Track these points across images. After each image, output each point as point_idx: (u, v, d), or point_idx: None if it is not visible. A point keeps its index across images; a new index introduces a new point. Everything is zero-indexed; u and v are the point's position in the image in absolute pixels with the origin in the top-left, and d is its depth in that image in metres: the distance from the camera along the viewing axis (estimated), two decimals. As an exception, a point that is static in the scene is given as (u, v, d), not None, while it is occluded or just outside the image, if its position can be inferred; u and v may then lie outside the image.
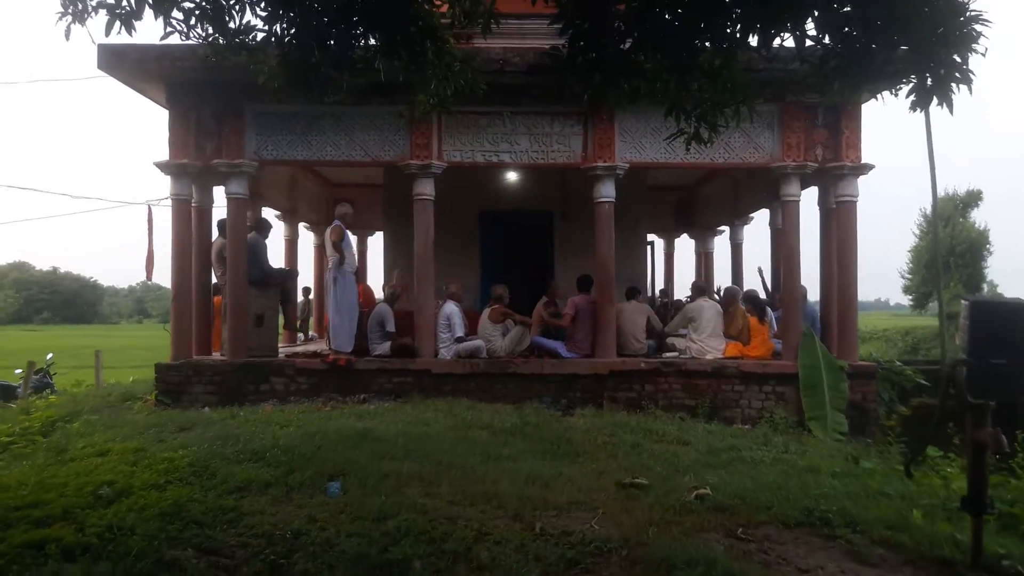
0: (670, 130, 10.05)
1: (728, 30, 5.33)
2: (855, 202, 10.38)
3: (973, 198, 44.20)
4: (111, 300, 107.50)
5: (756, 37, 5.24)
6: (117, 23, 5.39)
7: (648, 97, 6.33)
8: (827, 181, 10.75)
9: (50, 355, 16.52)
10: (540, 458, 6.70)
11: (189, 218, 10.48)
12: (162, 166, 10.26)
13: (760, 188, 13.47)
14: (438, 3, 6.54)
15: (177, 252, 10.37)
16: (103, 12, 5.42)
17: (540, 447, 7.04)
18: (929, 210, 42.48)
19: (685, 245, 18.66)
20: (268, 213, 15.04)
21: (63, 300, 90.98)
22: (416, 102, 7.08)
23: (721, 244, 17.44)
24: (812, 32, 5.17)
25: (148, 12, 5.50)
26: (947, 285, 39.17)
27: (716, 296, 12.58)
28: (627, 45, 5.42)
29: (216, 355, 10.78)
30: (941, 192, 41.46)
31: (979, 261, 42.12)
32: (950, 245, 40.78)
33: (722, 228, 16.90)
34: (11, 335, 53.38)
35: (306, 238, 16.80)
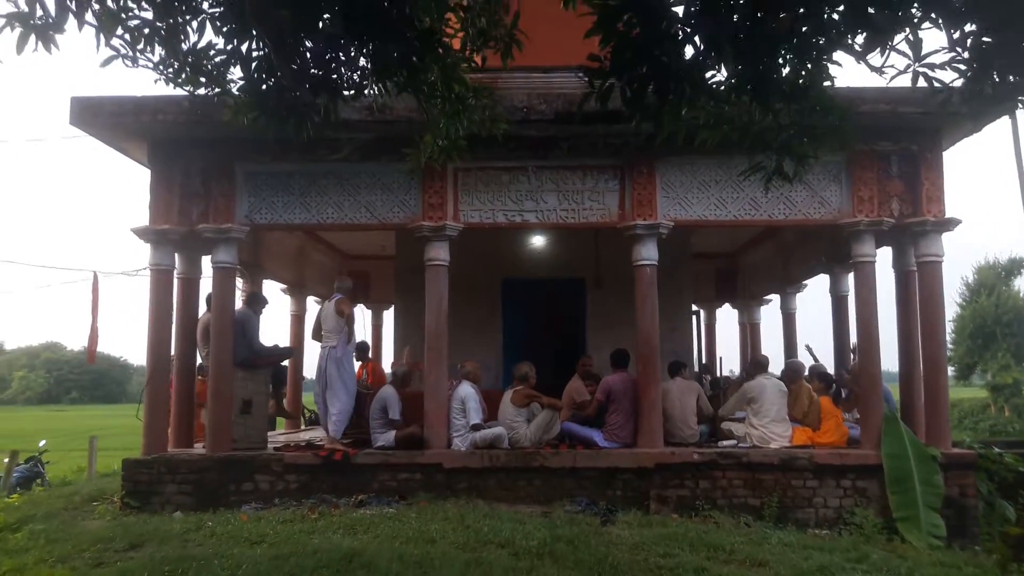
0: (720, 185, 8.95)
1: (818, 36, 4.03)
2: (940, 262, 8.86)
3: (1016, 265, 42.50)
4: (140, 379, 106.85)
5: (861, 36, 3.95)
6: (32, 38, 4.17)
7: (713, 127, 5.04)
8: (903, 239, 9.26)
9: (43, 442, 15.25)
10: (577, 593, 5.12)
11: (170, 290, 9.19)
12: (141, 233, 9.04)
13: (817, 251, 12.00)
14: (449, 31, 5.35)
15: (155, 328, 9.05)
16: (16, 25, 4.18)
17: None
18: (971, 279, 40.89)
19: (727, 316, 17.11)
20: (272, 287, 13.87)
21: (92, 380, 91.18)
22: (422, 144, 5.75)
23: (768, 315, 15.92)
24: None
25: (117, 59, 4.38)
26: (994, 356, 37.20)
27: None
28: (687, 56, 4.13)
29: (199, 448, 9.33)
30: (981, 261, 39.84)
31: (1027, 331, 40.13)
32: (995, 314, 38.88)
33: (769, 297, 15.39)
34: (36, 415, 52.64)
35: (312, 312, 15.52)
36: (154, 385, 9.00)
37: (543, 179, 9.03)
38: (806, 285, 13.65)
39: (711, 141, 5.22)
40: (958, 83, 4.56)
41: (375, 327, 17.45)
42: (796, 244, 12.90)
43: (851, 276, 11.52)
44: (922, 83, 4.42)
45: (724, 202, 8.92)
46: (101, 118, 8.61)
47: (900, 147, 8.87)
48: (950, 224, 8.74)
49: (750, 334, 15.60)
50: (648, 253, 8.82)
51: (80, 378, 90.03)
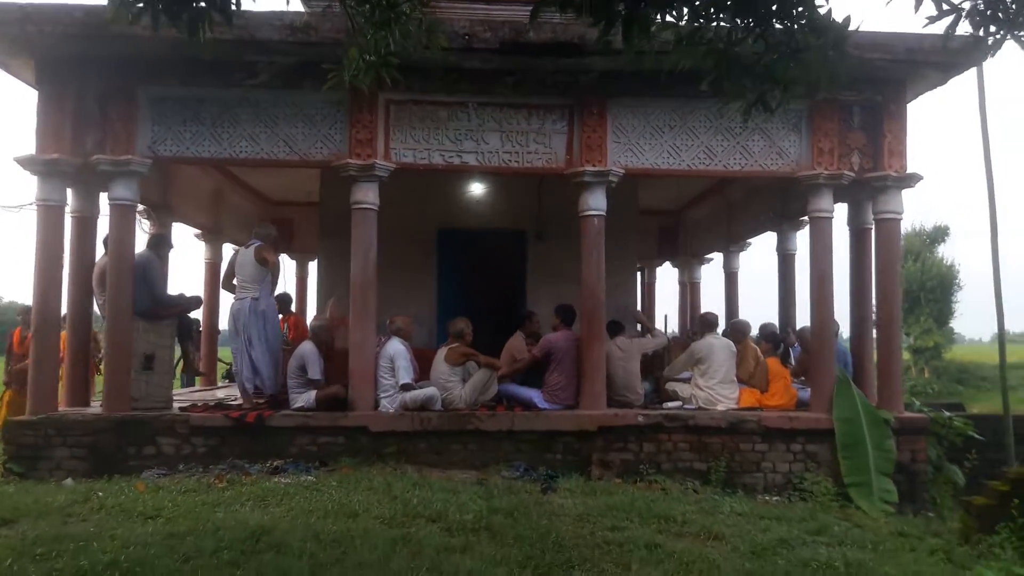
0: (675, 131, 8.19)
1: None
2: (899, 220, 8.47)
3: (940, 233, 43.70)
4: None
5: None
6: None
7: (687, 48, 4.37)
8: (861, 195, 8.83)
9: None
10: None
11: (60, 229, 8.11)
12: (26, 163, 7.91)
13: (765, 207, 11.58)
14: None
15: (43, 273, 7.97)
16: None
17: (517, 554, 4.82)
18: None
19: (666, 275, 16.69)
20: (184, 231, 12.78)
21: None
22: (345, 59, 4.90)
23: (709, 273, 15.58)
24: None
25: None
26: (917, 320, 38.33)
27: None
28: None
29: (96, 407, 8.37)
30: (907, 228, 40.66)
31: (948, 296, 41.46)
32: (920, 280, 40.03)
33: (710, 256, 15.00)
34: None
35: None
36: (42, 336, 7.97)
37: (485, 117, 8.24)
38: (750, 243, 13.27)
39: (683, 65, 4.55)
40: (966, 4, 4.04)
41: (299, 279, 16.45)
42: (742, 201, 12.46)
43: (799, 234, 11.30)
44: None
45: (678, 150, 8.30)
46: (-23, 28, 7.41)
47: (863, 97, 8.37)
48: (911, 180, 8.32)
49: (690, 293, 15.22)
50: (596, 202, 8.16)
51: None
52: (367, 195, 8.06)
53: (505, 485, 6.72)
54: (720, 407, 8.33)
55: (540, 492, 6.59)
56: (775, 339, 9.15)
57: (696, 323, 10.04)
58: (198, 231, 12.95)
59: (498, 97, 8.19)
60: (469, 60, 7.84)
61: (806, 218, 10.90)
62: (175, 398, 10.01)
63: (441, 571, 4.44)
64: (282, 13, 7.49)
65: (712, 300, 25.96)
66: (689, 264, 15.19)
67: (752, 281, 18.45)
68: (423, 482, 6.59)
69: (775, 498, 7.69)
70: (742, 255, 13.50)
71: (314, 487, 6.41)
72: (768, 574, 4.78)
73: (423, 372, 8.44)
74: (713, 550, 5.24)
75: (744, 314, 12.95)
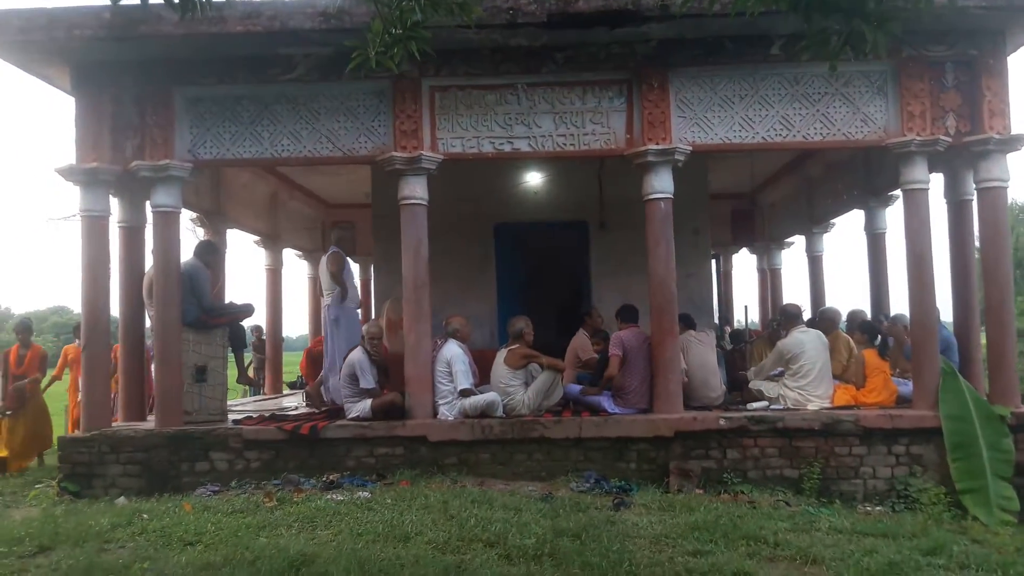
0: (746, 101, 7.32)
1: None
2: (1006, 188, 7.50)
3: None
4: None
5: None
6: None
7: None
8: (957, 163, 7.90)
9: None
10: (586, 613, 3.91)
11: (105, 240, 7.86)
12: (67, 173, 7.69)
13: (849, 184, 10.67)
14: None
15: (90, 285, 7.73)
16: None
17: (585, 585, 4.22)
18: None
19: (743, 262, 15.81)
20: (243, 238, 12.59)
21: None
22: (369, 34, 4.35)
23: (790, 258, 14.64)
24: None
25: None
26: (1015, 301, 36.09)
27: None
28: None
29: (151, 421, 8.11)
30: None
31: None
32: (1017, 258, 37.64)
33: (791, 240, 14.06)
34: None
35: (294, 267, 14.28)
36: (92, 350, 7.74)
37: (536, 99, 7.64)
38: (834, 224, 12.30)
39: (753, 11, 3.87)
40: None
41: (363, 281, 16.14)
42: (823, 178, 11.56)
43: (888, 211, 10.35)
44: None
45: (751, 121, 7.54)
46: (8, 35, 7.19)
47: (956, 52, 7.44)
48: (1017, 142, 7.36)
49: (771, 280, 14.32)
50: (662, 184, 7.46)
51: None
52: (415, 190, 7.56)
53: (573, 500, 6.12)
54: (812, 407, 7.53)
55: (612, 508, 5.96)
56: (871, 328, 8.26)
57: (778, 316, 9.19)
58: (256, 237, 12.76)
59: (548, 76, 7.58)
60: (514, 37, 7.27)
61: (897, 192, 10.03)
62: (236, 408, 9.82)
63: (497, 609, 3.88)
64: (314, 0, 7.05)
65: (795, 287, 24.76)
66: (768, 249, 14.28)
67: (838, 265, 17.38)
68: (483, 498, 6.03)
69: (877, 508, 6.86)
70: (826, 237, 12.53)
71: (367, 505, 5.94)
72: (881, 607, 4.06)
73: (483, 376, 7.92)
74: (813, 576, 4.54)
75: (831, 301, 12.09)
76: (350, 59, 4.39)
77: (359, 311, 8.97)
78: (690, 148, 7.46)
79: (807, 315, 9.49)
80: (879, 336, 8.20)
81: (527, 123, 7.62)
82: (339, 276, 8.61)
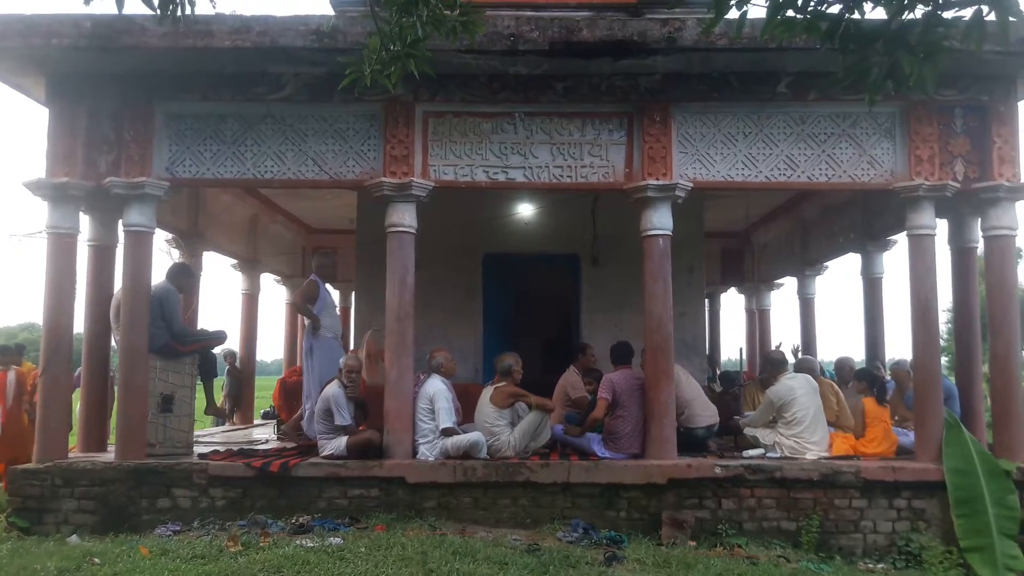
0: (750, 139, 6.91)
1: None
2: (1014, 236, 7.31)
3: (1016, 253, 41.45)
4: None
5: None
6: None
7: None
8: (964, 210, 7.70)
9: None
10: None
11: (72, 259, 7.44)
12: (35, 187, 7.28)
13: (844, 227, 10.48)
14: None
15: (52, 306, 7.30)
16: None
17: (579, 657, 3.82)
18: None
19: (731, 302, 15.61)
20: (220, 262, 12.16)
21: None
22: (365, 51, 4.03)
23: (779, 300, 14.43)
24: None
25: None
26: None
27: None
28: None
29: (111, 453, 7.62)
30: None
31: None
32: None
33: (780, 281, 13.86)
34: None
35: (272, 292, 13.86)
36: (51, 372, 7.28)
37: (533, 128, 7.37)
38: (827, 266, 12.08)
39: (781, 40, 3.58)
40: None
41: (343, 309, 15.70)
42: (818, 219, 11.36)
43: (886, 255, 10.18)
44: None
45: (754, 160, 7.30)
46: (-18, 43, 6.83)
47: (967, 97, 7.27)
48: (1027, 190, 7.17)
49: (759, 321, 14.07)
50: (661, 221, 7.18)
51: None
52: (403, 217, 7.23)
53: (561, 553, 5.71)
54: (810, 455, 7.22)
55: (603, 563, 5.56)
56: (870, 376, 7.99)
57: (763, 363, 8.91)
58: (234, 261, 12.34)
59: (547, 106, 7.32)
60: (514, 65, 7.03)
61: (895, 237, 9.86)
62: (204, 439, 9.34)
63: None
64: (307, 17, 6.76)
65: (783, 329, 24.58)
66: (757, 290, 14.06)
67: (829, 308, 17.21)
68: (465, 549, 5.62)
69: (879, 565, 6.54)
70: (817, 279, 12.30)
71: (339, 554, 5.50)
72: None
73: (467, 414, 7.52)
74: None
75: (822, 345, 11.84)
76: (343, 77, 4.09)
77: (338, 341, 8.50)
78: (691, 185, 7.20)
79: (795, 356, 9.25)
80: (879, 383, 7.92)
81: (523, 153, 7.33)
82: (302, 307, 8.30)
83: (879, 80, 3.26)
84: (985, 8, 3.06)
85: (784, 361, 8.17)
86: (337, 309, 9.20)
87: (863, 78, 3.32)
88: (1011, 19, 2.88)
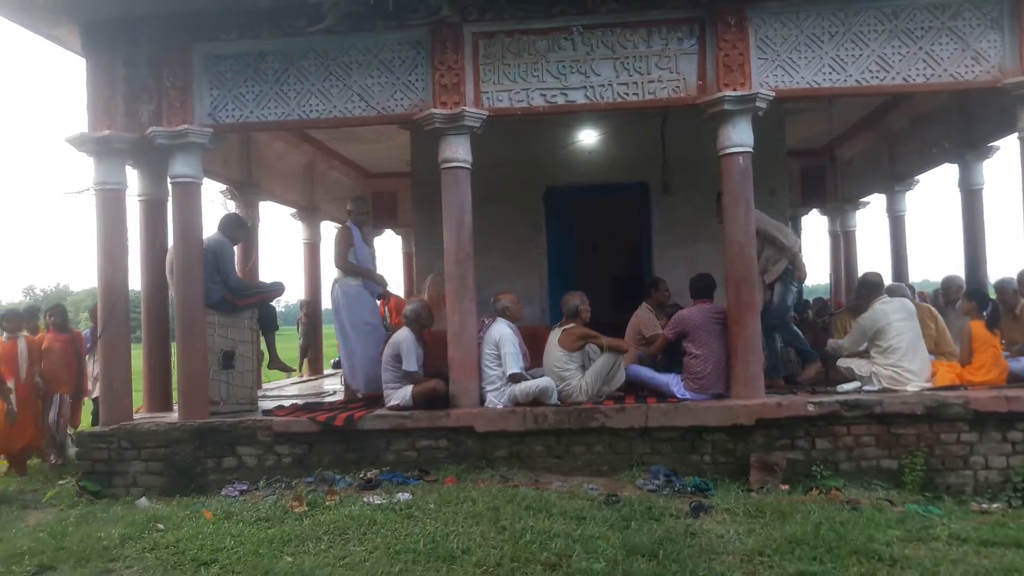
0: (836, 40, 5.87)
1: None
2: None
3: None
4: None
5: None
6: None
7: None
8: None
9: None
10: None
11: (122, 215, 7.22)
12: (78, 142, 7.04)
13: (939, 136, 9.56)
14: None
15: (107, 265, 7.12)
16: None
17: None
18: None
19: (813, 224, 14.71)
20: (279, 211, 11.94)
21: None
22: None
23: (864, 220, 13.54)
24: None
25: None
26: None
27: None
28: None
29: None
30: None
31: None
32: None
33: (866, 200, 12.92)
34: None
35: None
36: (110, 333, 7.14)
37: (593, 43, 6.71)
38: (918, 181, 11.14)
39: None
40: None
41: (406, 255, 15.47)
42: (908, 129, 10.45)
43: (986, 164, 9.27)
44: None
45: (843, 62, 6.52)
46: (11, -9, 6.53)
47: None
48: None
49: (844, 244, 13.19)
50: (740, 136, 6.50)
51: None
52: (457, 151, 6.73)
53: (643, 504, 5.29)
54: (911, 387, 6.58)
55: (690, 514, 5.12)
56: (981, 296, 7.23)
57: (857, 288, 8.19)
58: (292, 210, 12.12)
59: (608, 16, 6.64)
60: (569, -27, 6.36)
61: (997, 144, 8.94)
62: (272, 394, 9.22)
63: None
64: None
65: (872, 252, 23.38)
66: (842, 210, 13.15)
67: (919, 227, 16.16)
68: (539, 502, 5.25)
69: (994, 504, 5.90)
70: (908, 195, 11.37)
71: (407, 511, 5.21)
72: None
73: (535, 357, 7.11)
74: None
75: (914, 266, 10.99)
76: (395, 5, 3.59)
77: (366, 289, 7.71)
78: (773, 94, 6.48)
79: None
80: (990, 305, 7.17)
81: (584, 71, 6.70)
82: (341, 261, 7.60)
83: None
84: None
85: (881, 284, 7.42)
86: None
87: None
88: None
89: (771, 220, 7.31)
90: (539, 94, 6.75)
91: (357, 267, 7.62)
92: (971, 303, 7.11)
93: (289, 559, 4.43)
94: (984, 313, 6.99)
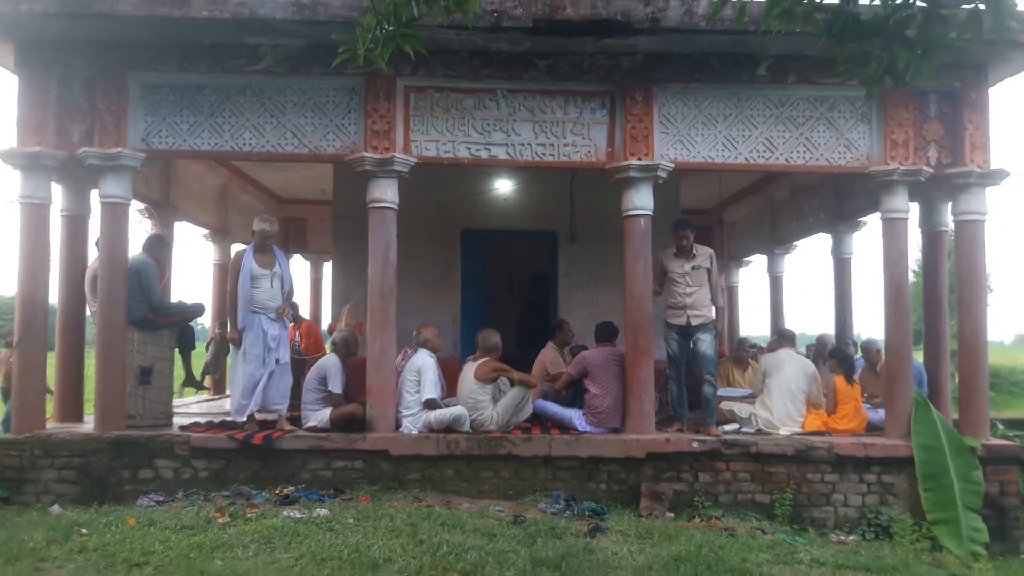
0: (730, 121, 7.05)
1: None
2: (983, 221, 7.52)
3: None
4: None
5: None
6: None
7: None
8: (935, 194, 7.94)
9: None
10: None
11: (45, 229, 7.31)
12: (6, 156, 7.12)
13: (815, 207, 10.70)
14: None
15: (27, 277, 7.20)
16: None
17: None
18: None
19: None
20: (191, 232, 12.00)
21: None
22: (359, 29, 3.99)
23: (747, 277, 14.72)
24: None
25: None
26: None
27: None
28: None
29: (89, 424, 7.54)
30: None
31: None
32: (951, 282, 38.69)
33: (749, 259, 14.11)
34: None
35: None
36: (27, 344, 7.17)
37: (516, 106, 7.38)
38: (796, 246, 12.34)
39: (780, 30, 3.67)
40: None
41: (314, 281, 15.70)
42: (789, 199, 11.60)
43: (855, 236, 10.43)
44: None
45: (734, 141, 7.41)
46: (-52, 5, 6.61)
47: (939, 84, 7.41)
48: (997, 176, 7.39)
49: (727, 298, 14.28)
50: (642, 201, 7.27)
51: (10, 323, 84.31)
52: (385, 193, 7.21)
53: (547, 524, 5.83)
54: (784, 431, 7.44)
55: (588, 534, 5.70)
56: (843, 356, 8.23)
57: (773, 336, 9.24)
58: (205, 231, 12.20)
59: (530, 83, 7.33)
60: (497, 41, 7.03)
61: (864, 219, 10.11)
62: (180, 411, 9.27)
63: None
64: None
65: (752, 306, 25.01)
66: (726, 268, 14.26)
67: (796, 286, 17.55)
68: (453, 520, 5.72)
69: (850, 536, 6.78)
70: (786, 258, 12.56)
71: (328, 525, 5.55)
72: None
73: (448, 387, 7.61)
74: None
75: (792, 320, 12.11)
76: (324, 49, 4.05)
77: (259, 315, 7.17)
78: (672, 165, 7.30)
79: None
80: (848, 363, 8.16)
81: (506, 130, 7.35)
82: (234, 276, 7.20)
83: (878, 74, 3.36)
84: (980, 5, 3.18)
85: (791, 338, 8.60)
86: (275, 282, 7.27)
87: (862, 71, 3.42)
88: (1009, 22, 2.99)
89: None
90: (464, 147, 7.34)
91: (231, 297, 7.24)
92: (834, 360, 8.09)
93: (220, 563, 4.71)
94: (845, 369, 7.97)
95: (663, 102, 7.39)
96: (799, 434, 7.41)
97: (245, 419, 7.09)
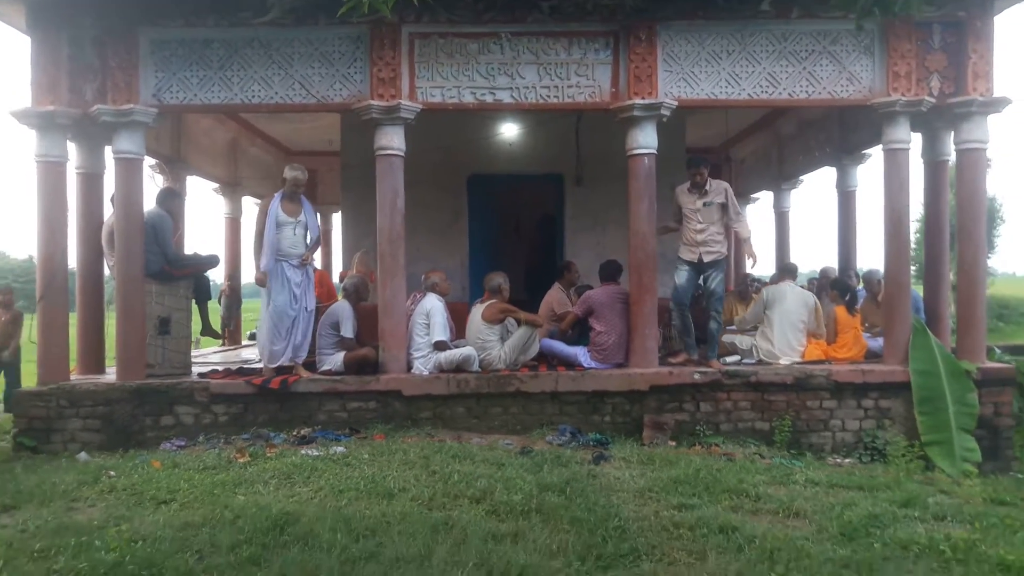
0: (733, 57, 7.21)
1: None
2: (985, 149, 7.58)
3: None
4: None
5: None
6: None
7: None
8: (938, 124, 7.95)
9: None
10: (578, 571, 3.89)
11: (62, 187, 7.51)
12: (22, 116, 7.29)
13: (820, 141, 10.70)
14: None
15: (46, 234, 7.42)
16: None
17: (575, 542, 4.20)
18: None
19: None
20: (202, 186, 12.20)
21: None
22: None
23: (755, 214, 14.75)
24: None
25: None
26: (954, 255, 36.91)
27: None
28: None
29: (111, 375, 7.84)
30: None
31: (991, 230, 40.04)
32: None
33: (757, 196, 14.14)
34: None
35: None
36: (49, 300, 7.43)
37: (520, 49, 7.44)
38: (802, 180, 12.36)
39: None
40: None
41: (324, 232, 15.86)
42: (795, 134, 11.58)
43: (860, 169, 10.46)
44: None
45: (737, 78, 7.45)
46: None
47: (944, 13, 7.40)
48: (999, 104, 7.42)
49: (734, 235, 14.33)
50: (646, 139, 7.37)
51: (26, 287, 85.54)
52: (392, 140, 7.34)
53: (553, 454, 6.09)
54: (784, 360, 7.63)
55: (592, 462, 5.95)
56: (843, 286, 8.36)
57: (776, 270, 9.41)
58: (216, 185, 12.39)
59: (534, 25, 7.38)
60: (500, -16, 7.05)
61: (868, 152, 10.12)
62: (198, 360, 9.58)
63: (490, 566, 3.83)
64: None
65: (759, 242, 25.01)
66: (735, 206, 14.32)
67: (802, 221, 17.55)
68: (463, 453, 5.99)
69: (846, 460, 7.03)
70: (793, 193, 12.59)
71: (344, 461, 5.84)
72: (865, 562, 4.10)
73: (457, 331, 7.83)
74: (796, 531, 4.58)
75: (796, 256, 12.21)
76: (337, 3, 4.17)
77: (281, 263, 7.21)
78: (676, 103, 7.36)
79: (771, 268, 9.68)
80: (850, 294, 8.29)
81: (510, 74, 7.42)
82: (260, 216, 7.25)
83: (867, 4, 3.43)
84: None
85: (793, 271, 8.80)
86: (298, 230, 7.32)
87: (852, 3, 3.49)
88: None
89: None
90: (469, 92, 7.42)
91: (257, 240, 7.25)
92: (835, 291, 8.22)
93: (242, 498, 4.99)
94: (846, 299, 8.11)
95: (666, 40, 7.42)
96: (799, 363, 7.59)
97: (276, 366, 7.22)
